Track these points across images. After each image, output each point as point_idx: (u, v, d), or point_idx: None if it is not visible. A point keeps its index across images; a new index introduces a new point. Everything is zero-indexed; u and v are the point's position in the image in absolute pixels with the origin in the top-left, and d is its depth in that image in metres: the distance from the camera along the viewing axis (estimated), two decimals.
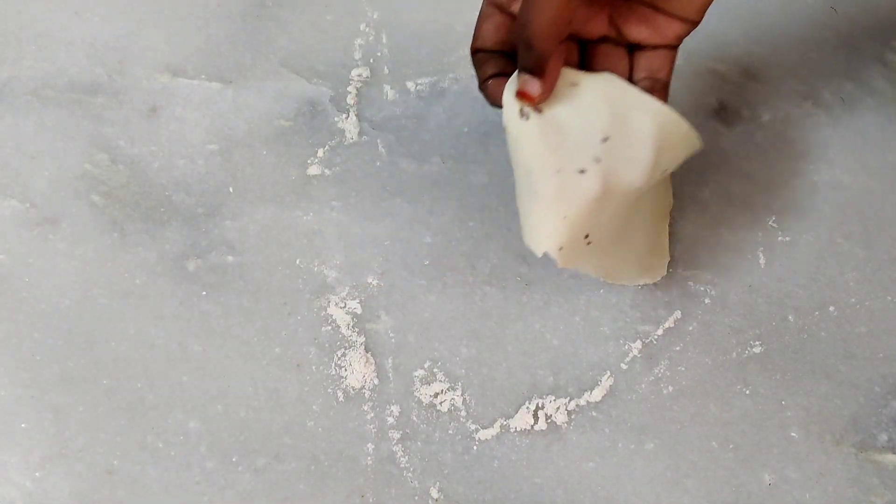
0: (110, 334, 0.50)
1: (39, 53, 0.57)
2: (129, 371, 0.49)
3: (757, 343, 0.51)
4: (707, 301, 0.52)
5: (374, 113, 0.56)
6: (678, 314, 0.52)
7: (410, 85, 0.57)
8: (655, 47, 0.46)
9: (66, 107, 0.56)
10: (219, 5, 0.59)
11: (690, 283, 0.52)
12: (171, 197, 0.53)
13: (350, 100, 0.57)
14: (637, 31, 0.46)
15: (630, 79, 0.47)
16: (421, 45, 0.58)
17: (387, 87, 0.57)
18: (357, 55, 0.58)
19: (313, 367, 0.50)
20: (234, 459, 0.48)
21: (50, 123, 0.55)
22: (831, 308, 0.52)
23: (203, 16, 0.59)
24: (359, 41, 0.58)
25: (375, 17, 0.59)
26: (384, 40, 0.59)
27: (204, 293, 0.51)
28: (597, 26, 0.46)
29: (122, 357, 0.49)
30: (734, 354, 0.51)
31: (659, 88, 0.46)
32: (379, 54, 0.58)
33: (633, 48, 0.47)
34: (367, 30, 0.59)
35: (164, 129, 0.55)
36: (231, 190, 0.54)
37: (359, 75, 0.57)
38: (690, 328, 0.51)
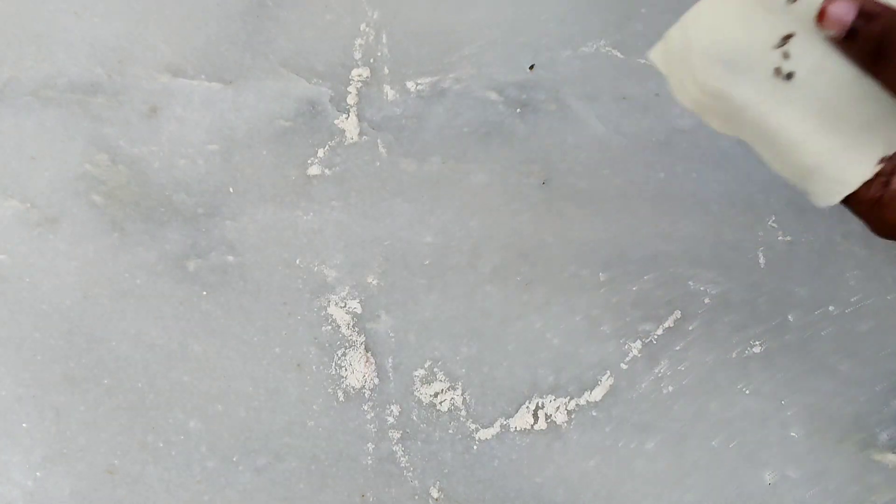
0: (111, 334, 0.50)
1: (39, 54, 0.57)
2: (130, 371, 0.49)
3: (757, 342, 0.51)
4: (707, 300, 0.52)
5: (374, 113, 0.56)
6: (678, 313, 0.51)
7: (410, 85, 0.57)
8: None
9: (66, 107, 0.56)
10: (218, 5, 0.59)
11: (691, 282, 0.52)
12: (171, 197, 0.53)
13: (350, 100, 0.57)
14: None
15: None
16: (421, 45, 0.58)
17: (387, 87, 0.57)
18: (357, 55, 0.58)
19: (313, 367, 0.50)
20: (234, 459, 0.48)
21: (50, 124, 0.55)
22: (831, 307, 0.52)
23: (203, 16, 0.59)
24: (359, 41, 0.58)
25: (375, 17, 0.59)
26: (384, 40, 0.59)
27: (204, 293, 0.51)
28: None
29: (123, 357, 0.50)
30: (735, 353, 0.51)
31: None
32: (379, 54, 0.58)
33: None
34: (367, 30, 0.59)
35: (164, 129, 0.55)
36: (231, 190, 0.54)
37: (359, 75, 0.57)
38: (691, 327, 0.51)
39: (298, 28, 0.59)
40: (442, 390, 0.49)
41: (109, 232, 0.52)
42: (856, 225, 0.54)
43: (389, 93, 0.57)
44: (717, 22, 0.38)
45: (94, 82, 0.56)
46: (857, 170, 0.36)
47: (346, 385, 0.49)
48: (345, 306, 0.51)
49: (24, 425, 0.48)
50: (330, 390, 0.49)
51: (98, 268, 0.52)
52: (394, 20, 0.59)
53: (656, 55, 0.40)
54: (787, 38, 0.37)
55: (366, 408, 0.49)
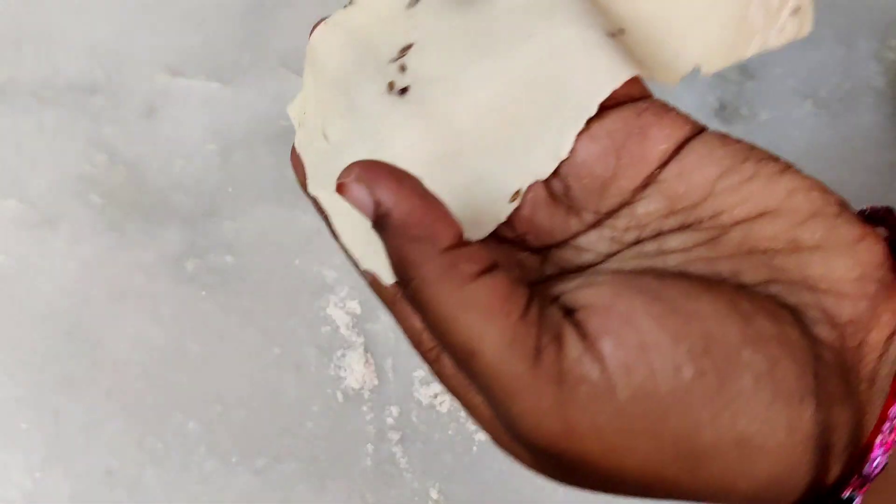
0: (109, 335, 0.50)
1: (38, 54, 0.57)
2: (129, 372, 0.49)
3: None
4: None
5: None
6: None
7: None
8: None
9: (64, 107, 0.55)
10: (217, 5, 0.59)
11: None
12: (169, 197, 0.53)
13: None
14: None
15: None
16: None
17: None
18: None
19: (312, 368, 0.50)
20: (233, 460, 0.48)
21: (49, 124, 0.55)
22: None
23: (201, 15, 0.59)
24: None
25: None
26: None
27: (203, 294, 0.51)
28: None
29: (122, 358, 0.49)
30: None
31: None
32: None
33: None
34: None
35: (163, 129, 0.55)
36: (230, 190, 0.54)
37: None
38: None
39: (297, 27, 0.58)
40: (441, 391, 0.49)
41: (108, 232, 0.52)
42: None
43: None
44: (335, 44, 0.30)
45: (93, 82, 0.56)
46: (489, 208, 0.27)
47: (346, 386, 0.49)
48: (344, 307, 0.51)
49: (22, 426, 0.48)
50: (329, 391, 0.49)
51: (96, 268, 0.51)
52: None
53: (294, 110, 0.33)
54: (405, 49, 0.29)
55: (365, 409, 0.49)
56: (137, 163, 0.54)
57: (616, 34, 0.27)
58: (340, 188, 0.23)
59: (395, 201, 0.22)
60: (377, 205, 0.22)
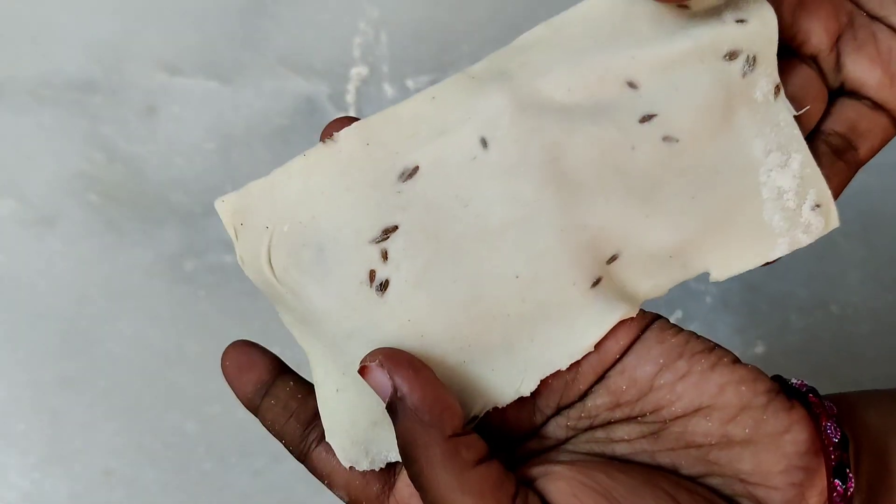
0: (107, 335, 0.50)
1: (36, 52, 0.57)
2: (127, 372, 0.49)
3: (759, 343, 0.51)
4: (709, 300, 0.52)
5: (374, 111, 0.56)
6: (679, 314, 0.51)
7: (410, 83, 0.57)
8: (875, 106, 0.30)
9: (63, 106, 0.55)
10: (216, 3, 0.59)
11: (692, 282, 0.52)
12: (168, 196, 0.53)
13: (349, 98, 0.56)
14: (863, 69, 0.30)
15: (818, 128, 0.30)
16: (420, 42, 0.58)
17: (386, 86, 0.57)
18: (356, 53, 0.58)
19: None
20: (232, 461, 0.47)
21: (47, 122, 0.55)
22: (833, 307, 0.52)
23: (200, 13, 0.58)
24: (357, 39, 0.58)
25: (374, 14, 0.59)
26: (383, 38, 0.58)
27: (201, 293, 0.51)
28: (815, 30, 0.29)
29: (120, 358, 0.49)
30: (737, 354, 0.50)
31: (849, 160, 0.31)
32: (378, 52, 0.58)
33: (838, 93, 0.31)
34: (365, 27, 0.58)
35: (162, 127, 0.55)
36: (229, 189, 0.53)
37: (358, 73, 0.57)
38: (692, 328, 0.51)
39: (296, 26, 0.58)
40: None
41: (106, 231, 0.52)
42: (856, 225, 0.54)
43: (389, 91, 0.57)
44: (313, 188, 0.28)
45: (91, 81, 0.56)
46: None
47: None
48: None
49: (20, 427, 0.48)
50: None
51: (94, 268, 0.51)
52: (393, 18, 0.59)
53: (224, 207, 0.29)
54: (389, 230, 0.27)
55: None
56: (136, 161, 0.54)
57: (596, 283, 0.28)
58: (363, 371, 0.25)
59: (410, 388, 0.25)
60: (394, 390, 0.25)
